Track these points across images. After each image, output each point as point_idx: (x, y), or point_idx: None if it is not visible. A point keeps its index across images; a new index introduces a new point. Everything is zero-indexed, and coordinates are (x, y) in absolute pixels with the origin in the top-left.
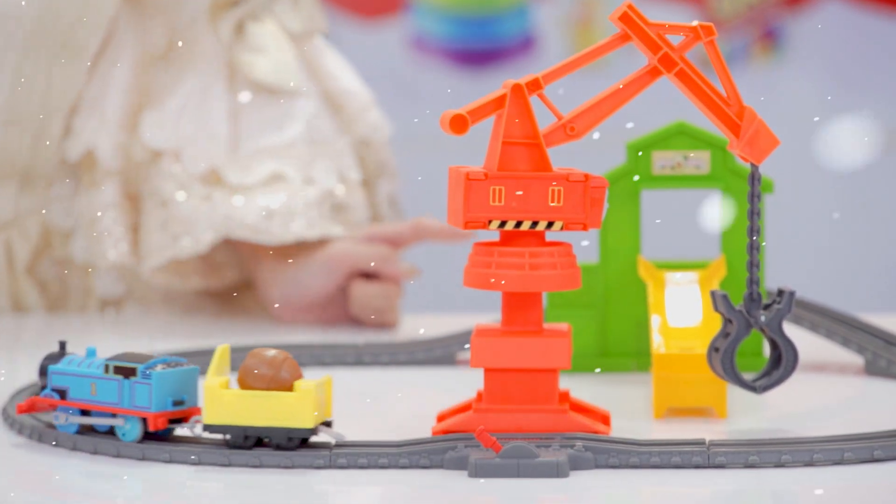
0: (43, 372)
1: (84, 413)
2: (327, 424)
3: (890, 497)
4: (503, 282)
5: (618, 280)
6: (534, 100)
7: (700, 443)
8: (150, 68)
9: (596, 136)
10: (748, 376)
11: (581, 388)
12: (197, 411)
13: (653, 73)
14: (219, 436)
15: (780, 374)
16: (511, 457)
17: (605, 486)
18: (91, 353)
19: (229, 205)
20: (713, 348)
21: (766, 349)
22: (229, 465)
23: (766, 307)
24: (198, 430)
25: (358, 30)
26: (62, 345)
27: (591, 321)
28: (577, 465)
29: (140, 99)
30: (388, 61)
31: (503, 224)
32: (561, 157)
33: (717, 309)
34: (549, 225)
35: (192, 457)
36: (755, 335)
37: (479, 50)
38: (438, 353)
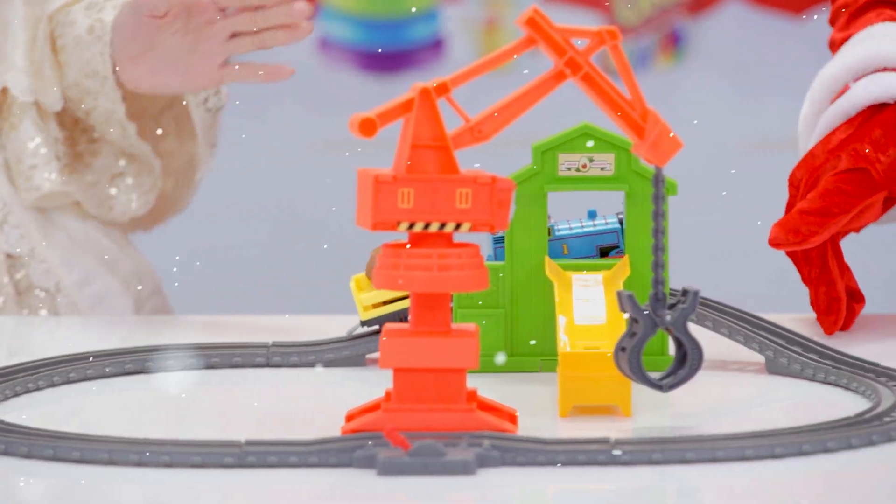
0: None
1: None
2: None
3: (791, 493)
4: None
5: (525, 281)
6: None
7: (605, 441)
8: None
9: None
10: (654, 375)
11: (488, 387)
12: None
13: (559, 76)
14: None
15: (686, 372)
16: (419, 455)
17: (512, 484)
18: (591, 214)
19: None
20: (620, 348)
21: (672, 348)
22: (141, 463)
23: (671, 307)
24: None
25: None
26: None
27: (498, 321)
28: (484, 463)
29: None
30: (295, 65)
31: (412, 226)
32: (468, 159)
33: (623, 309)
34: (457, 227)
35: (105, 455)
36: (660, 334)
37: (387, 53)
38: (347, 353)
